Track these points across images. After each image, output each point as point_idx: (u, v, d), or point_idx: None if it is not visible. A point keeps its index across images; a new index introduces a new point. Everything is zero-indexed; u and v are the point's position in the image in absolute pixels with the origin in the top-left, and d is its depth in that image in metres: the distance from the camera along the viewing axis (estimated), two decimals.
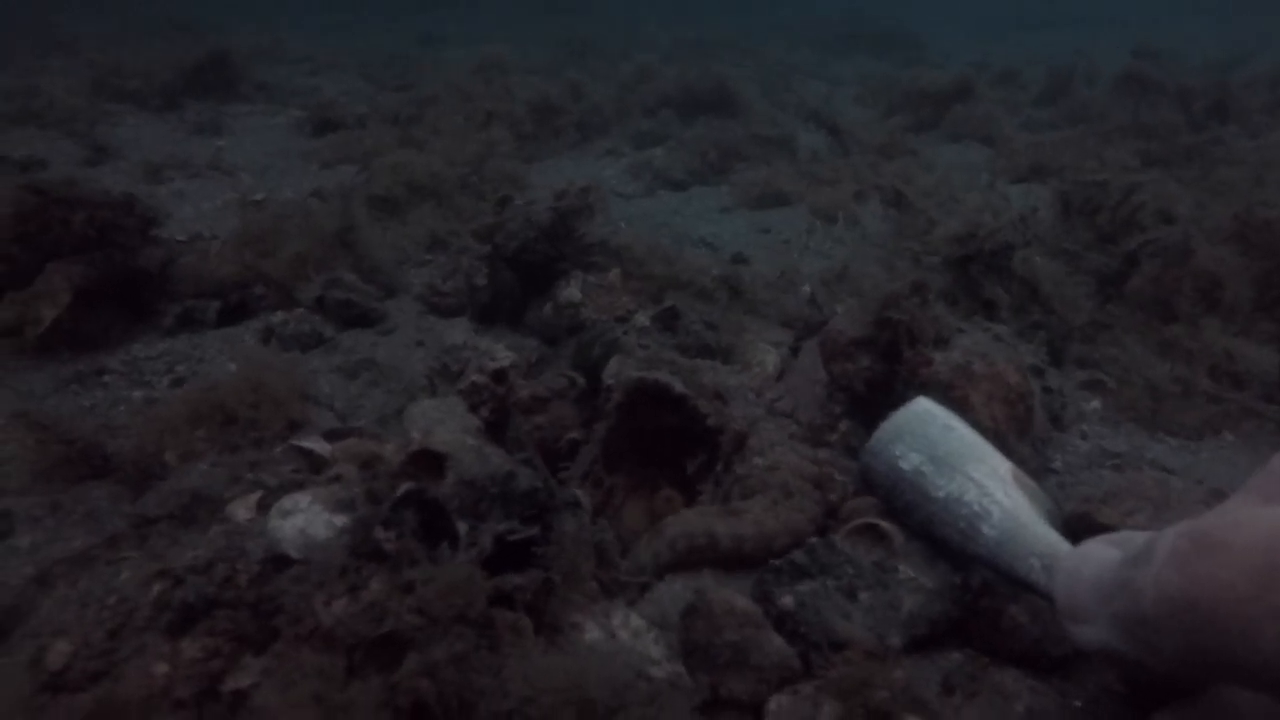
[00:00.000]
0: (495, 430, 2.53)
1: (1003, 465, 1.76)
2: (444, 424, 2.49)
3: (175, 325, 3.35)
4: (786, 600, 1.72)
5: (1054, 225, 4.00)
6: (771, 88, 9.58)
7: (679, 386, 2.00)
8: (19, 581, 2.01)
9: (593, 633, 1.51)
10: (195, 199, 5.33)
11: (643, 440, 2.08)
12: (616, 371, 2.21)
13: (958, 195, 5.33)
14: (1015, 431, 1.98)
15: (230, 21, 14.62)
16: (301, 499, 1.82)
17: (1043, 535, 1.61)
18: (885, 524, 1.81)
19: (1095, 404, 2.75)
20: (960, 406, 1.93)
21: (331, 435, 2.54)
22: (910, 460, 1.78)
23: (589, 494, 2.04)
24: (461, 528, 1.54)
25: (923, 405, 1.84)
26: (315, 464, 2.23)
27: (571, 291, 3.00)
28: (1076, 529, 2.01)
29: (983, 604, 1.72)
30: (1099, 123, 7.26)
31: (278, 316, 3.31)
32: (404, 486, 1.54)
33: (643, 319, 2.68)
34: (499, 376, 2.64)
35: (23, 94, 7.42)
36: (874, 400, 2.21)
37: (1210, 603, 0.96)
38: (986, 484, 1.71)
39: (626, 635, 1.53)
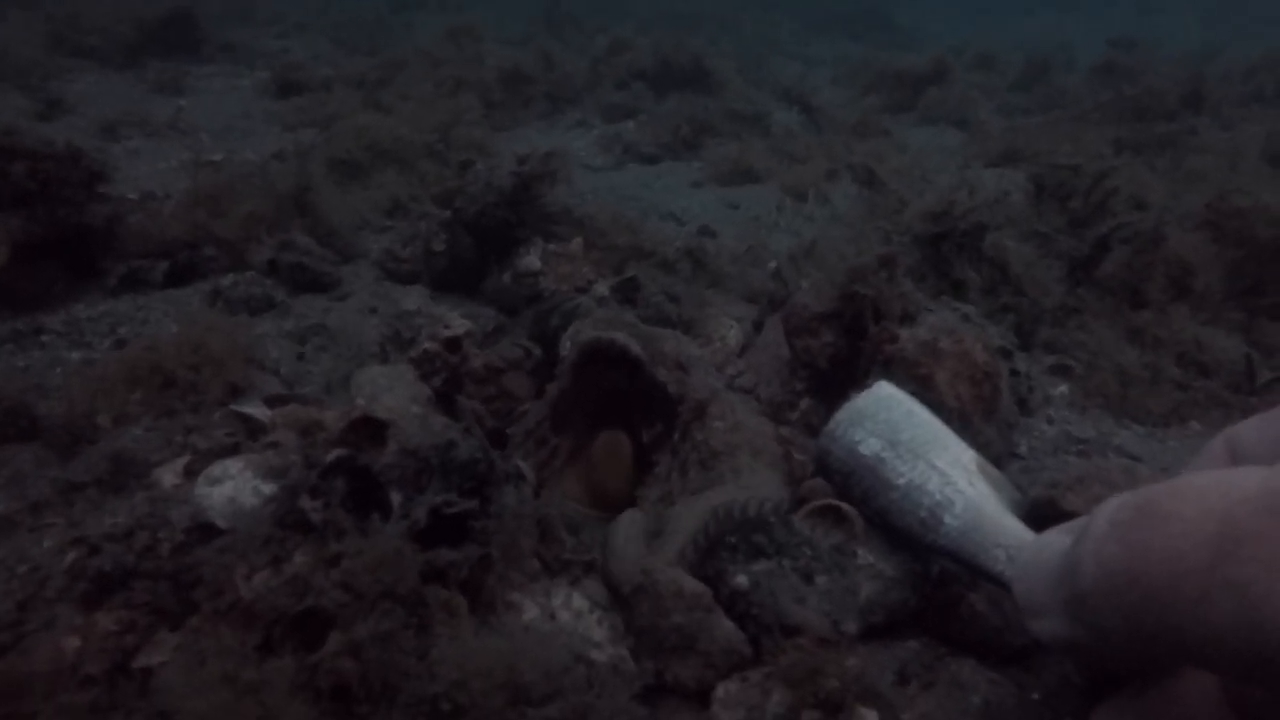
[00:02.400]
0: (447, 401, 2.45)
1: (966, 454, 1.69)
2: (392, 391, 2.40)
3: (120, 285, 3.22)
4: (740, 580, 1.64)
5: (1026, 209, 3.95)
6: (748, 65, 9.47)
7: (636, 349, 1.91)
8: None
9: (531, 613, 1.43)
10: (151, 158, 5.17)
11: (596, 405, 1.99)
12: (575, 332, 2.11)
13: (930, 177, 5.28)
14: (981, 412, 1.92)
15: None
16: (232, 465, 1.72)
17: (1008, 526, 1.55)
18: (846, 507, 1.74)
19: (1063, 389, 2.70)
20: (925, 385, 1.87)
21: (274, 401, 2.43)
22: (870, 445, 1.70)
23: (532, 453, 1.97)
24: (395, 498, 1.45)
25: (885, 389, 1.76)
26: (253, 430, 2.13)
27: (531, 259, 2.90)
28: (1041, 515, 1.95)
29: (941, 592, 1.65)
30: (1073, 108, 7.23)
31: (227, 279, 3.18)
32: (334, 453, 1.45)
33: (602, 289, 2.59)
34: (452, 345, 2.54)
35: None
36: (837, 377, 2.14)
37: (1158, 576, 0.87)
38: (950, 472, 1.63)
39: (567, 616, 1.45)
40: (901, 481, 1.65)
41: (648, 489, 1.92)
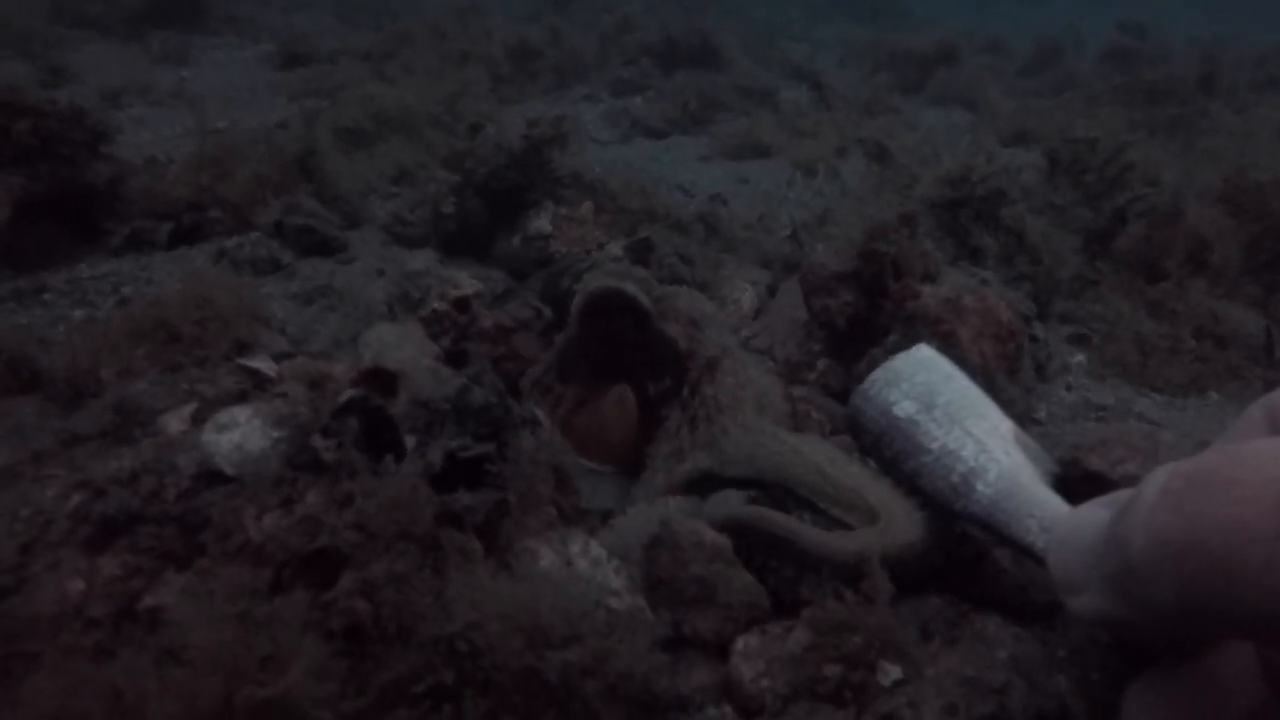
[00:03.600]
0: (455, 360, 2.41)
1: (1004, 423, 1.64)
2: (400, 348, 2.36)
3: (123, 246, 3.18)
4: None
5: (1040, 184, 3.91)
6: (755, 45, 9.40)
7: (644, 299, 1.86)
8: None
9: (548, 559, 1.40)
10: (155, 125, 5.12)
11: (603, 355, 1.96)
12: (585, 282, 2.08)
13: (941, 154, 5.23)
14: (1005, 370, 1.88)
15: None
16: (240, 413, 1.68)
17: (1043, 497, 1.50)
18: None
19: (1080, 358, 2.67)
20: (948, 341, 1.83)
21: (281, 357, 2.39)
22: (905, 408, 1.64)
23: (539, 400, 1.93)
24: (409, 441, 1.41)
25: (925, 352, 1.71)
26: (260, 383, 2.09)
27: (541, 223, 2.86)
28: (1064, 476, 1.92)
29: (965, 549, 1.62)
30: (1085, 91, 7.18)
31: (233, 241, 3.14)
32: (347, 393, 1.41)
33: (615, 249, 2.55)
34: (461, 305, 2.50)
35: None
36: (855, 338, 2.11)
37: (1218, 544, 0.82)
38: (985, 440, 1.58)
39: (585, 564, 1.42)
40: (935, 445, 1.60)
41: (657, 445, 1.88)
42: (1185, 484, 0.87)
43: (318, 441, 1.34)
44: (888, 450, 1.67)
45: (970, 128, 6.34)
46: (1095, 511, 1.16)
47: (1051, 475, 1.66)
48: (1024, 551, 1.50)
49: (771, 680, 1.43)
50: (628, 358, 1.97)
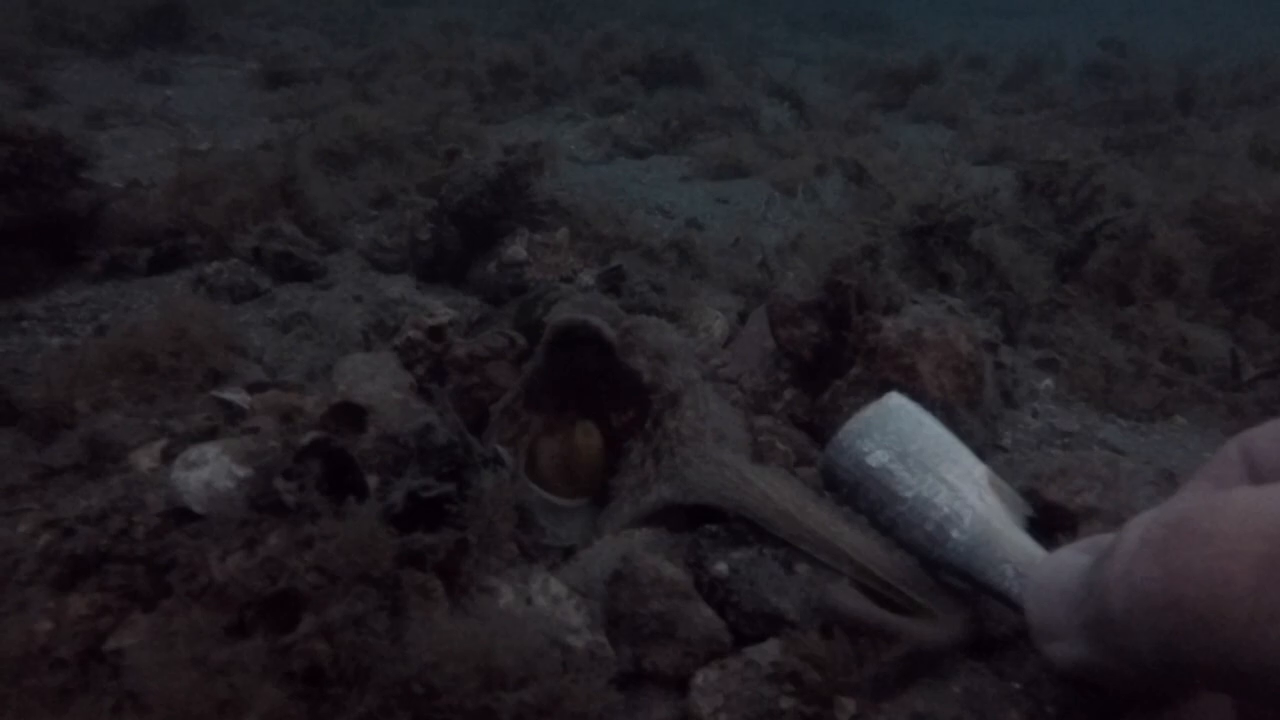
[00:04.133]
0: (426, 393, 2.43)
1: (978, 468, 1.67)
2: (374, 379, 2.39)
3: (103, 272, 3.20)
4: (720, 567, 1.63)
5: (1014, 205, 3.95)
6: (739, 62, 9.46)
7: (608, 332, 1.91)
8: None
9: (508, 597, 1.42)
10: (137, 146, 5.13)
11: (571, 386, 2.00)
12: (554, 313, 2.12)
13: (920, 174, 5.28)
14: (964, 403, 1.91)
15: None
16: (209, 450, 1.70)
17: (1017, 542, 1.53)
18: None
19: (1048, 382, 2.70)
20: (908, 375, 1.86)
21: (255, 388, 2.41)
22: (878, 457, 1.67)
23: (506, 427, 1.96)
24: (372, 481, 1.44)
25: (895, 400, 1.74)
26: (233, 416, 2.11)
27: (516, 249, 2.89)
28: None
29: None
30: (1065, 109, 7.25)
31: (211, 266, 3.16)
32: (309, 435, 1.44)
33: (587, 278, 2.57)
34: (436, 333, 2.53)
35: None
36: (821, 367, 2.14)
37: (1200, 599, 0.82)
38: (959, 486, 1.61)
39: (544, 601, 1.44)
40: (909, 494, 1.62)
41: (622, 476, 1.90)
42: (1165, 534, 0.87)
43: (280, 484, 1.36)
44: (863, 501, 1.69)
45: (950, 145, 6.39)
46: (1073, 556, 1.16)
47: (1025, 519, 1.68)
48: (1000, 598, 1.53)
49: (729, 714, 1.45)
50: (594, 388, 2.01)
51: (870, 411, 1.72)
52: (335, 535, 1.29)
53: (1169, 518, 0.88)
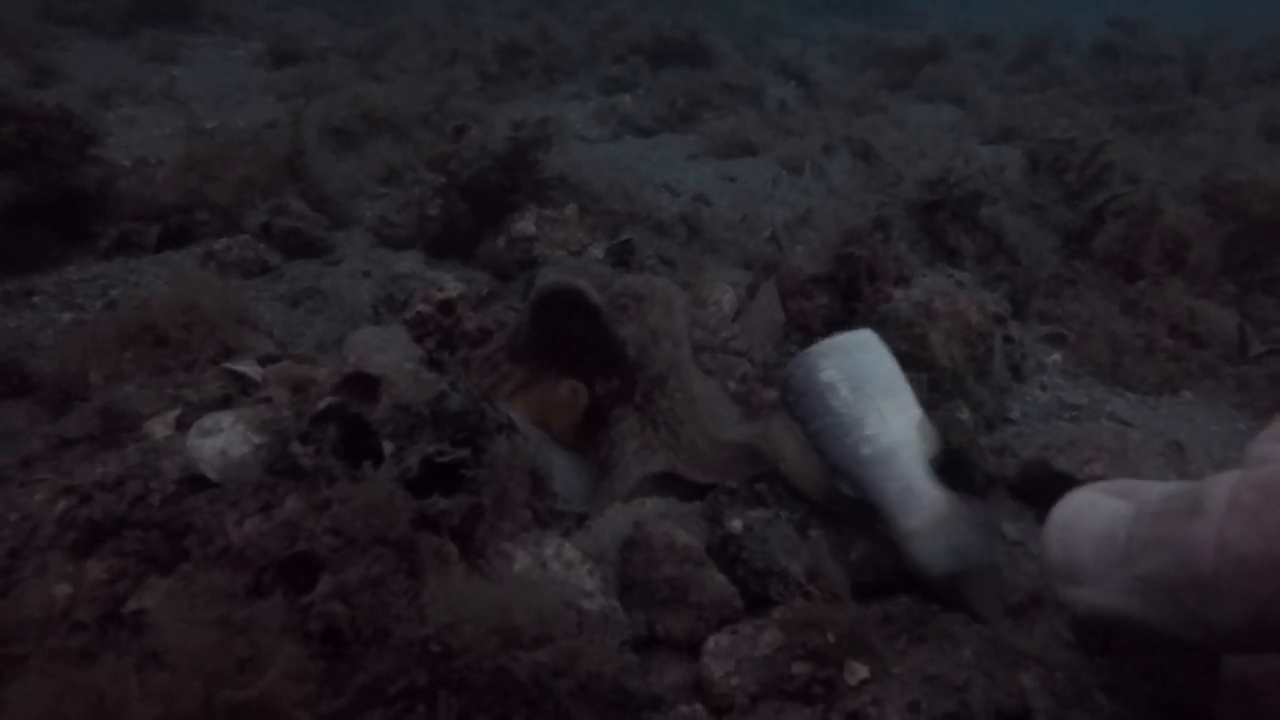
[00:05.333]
0: (439, 364, 2.44)
1: (915, 410, 1.71)
2: (385, 351, 2.40)
3: (112, 248, 3.20)
4: (735, 524, 1.64)
5: (1021, 182, 3.94)
6: (745, 42, 9.42)
7: (594, 297, 1.93)
8: None
9: (522, 561, 1.43)
10: (144, 126, 5.14)
11: (556, 346, 2.05)
12: (542, 275, 2.16)
13: (927, 152, 5.27)
14: (974, 372, 1.92)
15: None
16: (224, 418, 1.71)
17: (917, 473, 1.61)
18: None
19: (1056, 357, 2.71)
20: (919, 345, 1.87)
21: (266, 360, 2.43)
22: (829, 375, 1.72)
23: (486, 374, 1.98)
24: (387, 447, 1.45)
25: (866, 334, 1.79)
26: (245, 387, 2.13)
27: (525, 224, 2.89)
28: (1033, 476, 1.96)
29: None
30: (1073, 88, 7.22)
31: (220, 243, 3.17)
32: (325, 400, 1.45)
33: (596, 252, 2.58)
34: (446, 307, 2.53)
35: None
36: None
37: None
38: (889, 417, 1.67)
39: (559, 566, 1.45)
40: (843, 411, 1.68)
41: (623, 442, 1.93)
42: (1259, 498, 0.85)
43: (296, 448, 1.37)
44: (803, 409, 1.75)
45: (957, 124, 6.38)
46: (1104, 500, 1.11)
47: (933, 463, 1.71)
48: (877, 510, 1.61)
49: (741, 679, 1.47)
50: (578, 351, 2.04)
51: (842, 337, 1.79)
52: (352, 498, 1.30)
53: (1260, 480, 0.86)
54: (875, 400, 1.68)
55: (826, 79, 7.42)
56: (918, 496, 1.58)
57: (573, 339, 2.05)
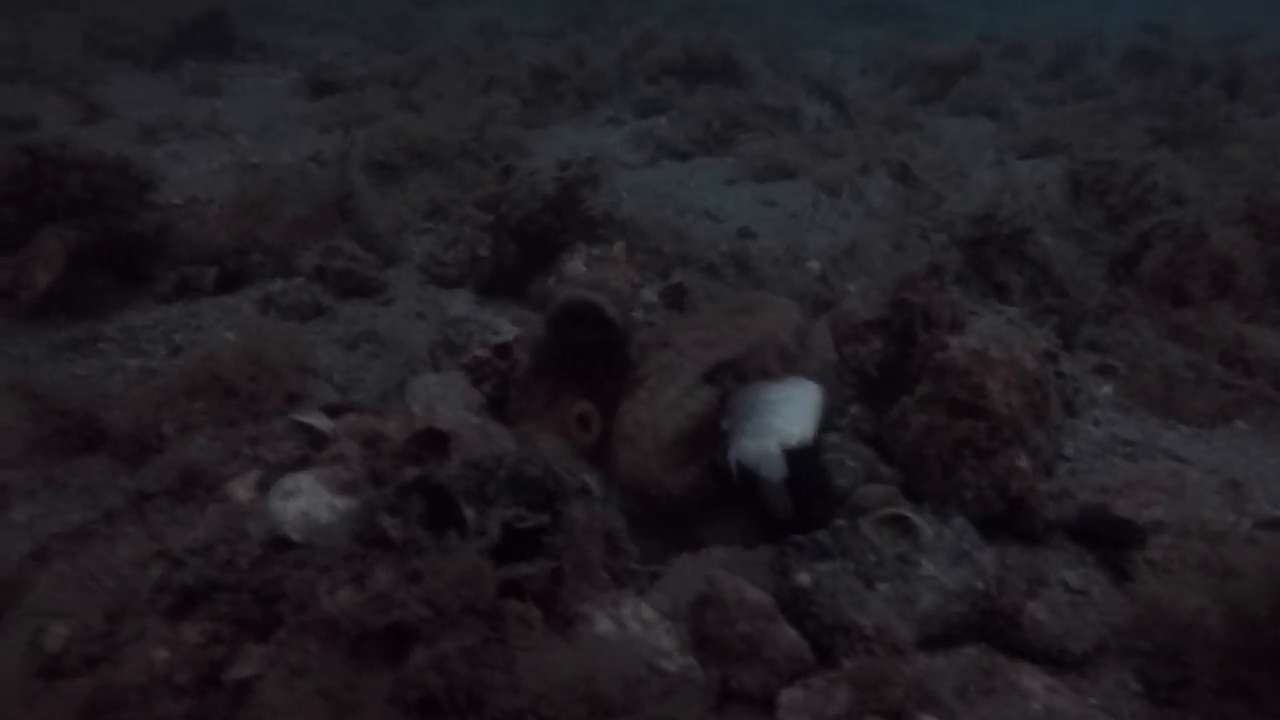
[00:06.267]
0: (497, 405, 2.50)
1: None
2: (446, 399, 2.45)
3: (172, 292, 3.29)
4: (803, 577, 1.69)
5: (1064, 204, 3.95)
6: (775, 56, 9.46)
7: (611, 310, 2.01)
8: (16, 557, 1.97)
9: (603, 624, 1.48)
10: (192, 161, 5.24)
11: (576, 366, 2.16)
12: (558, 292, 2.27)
13: (965, 170, 5.28)
14: (1031, 419, 1.94)
15: None
16: (303, 480, 1.77)
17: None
18: (915, 517, 1.77)
19: (1107, 389, 2.72)
20: (977, 393, 1.89)
21: (331, 410, 2.49)
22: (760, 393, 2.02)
23: (517, 400, 2.14)
24: (469, 514, 1.50)
25: (807, 389, 2.03)
26: (316, 440, 2.19)
27: (575, 264, 2.95)
28: (1092, 520, 1.98)
29: (1003, 602, 1.68)
30: (1106, 98, 7.19)
31: (276, 285, 3.25)
32: (411, 472, 1.50)
33: (650, 294, 2.62)
34: (502, 351, 2.59)
35: (16, 50, 7.29)
36: (886, 384, 2.17)
37: None
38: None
39: (637, 627, 1.49)
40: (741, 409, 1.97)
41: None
42: None
43: (385, 520, 1.42)
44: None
45: (992, 138, 6.37)
46: None
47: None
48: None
49: None
50: (595, 363, 2.14)
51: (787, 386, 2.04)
52: (441, 570, 1.35)
53: None
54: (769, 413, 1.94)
55: (859, 93, 7.43)
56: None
57: (591, 352, 2.13)
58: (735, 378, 2.03)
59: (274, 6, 11.91)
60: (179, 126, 5.83)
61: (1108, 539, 1.92)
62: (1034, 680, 1.60)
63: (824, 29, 14.01)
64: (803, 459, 1.89)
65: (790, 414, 1.93)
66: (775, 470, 1.86)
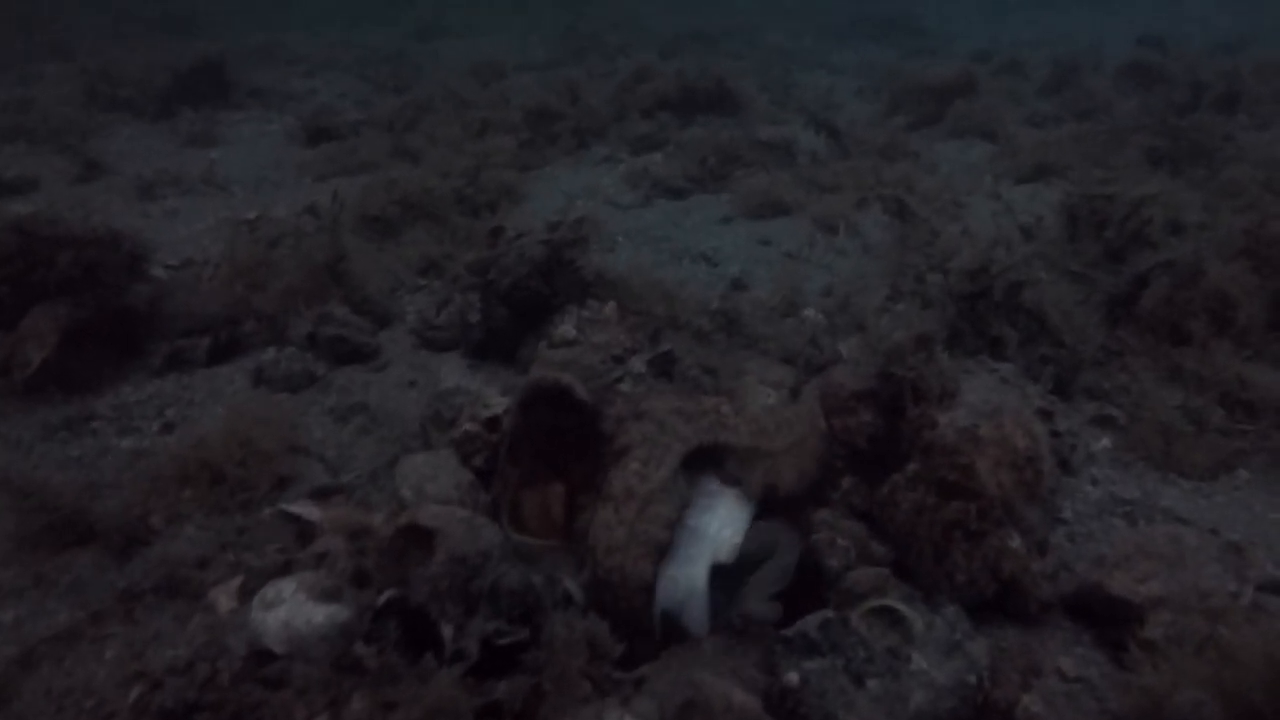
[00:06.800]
0: (488, 479, 2.48)
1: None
2: (435, 480, 2.43)
3: (164, 365, 3.29)
4: (791, 677, 1.66)
5: (1059, 239, 3.92)
6: (771, 82, 9.46)
7: (580, 391, 2.01)
8: (1, 662, 1.95)
9: None
10: (188, 218, 5.26)
11: (550, 448, 2.13)
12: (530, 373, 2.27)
13: (960, 200, 5.25)
14: (1024, 497, 1.90)
15: (226, 19, 14.58)
16: (285, 587, 1.76)
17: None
18: (904, 608, 1.74)
19: (1105, 442, 2.68)
20: (966, 474, 1.86)
21: (319, 493, 2.48)
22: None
23: (497, 486, 2.12)
24: (446, 633, 1.48)
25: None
26: (303, 531, 2.17)
27: (566, 328, 2.93)
28: (1089, 600, 1.94)
29: (995, 695, 1.65)
30: (1104, 116, 7.16)
31: (268, 354, 3.24)
32: (385, 595, 1.48)
33: (638, 365, 2.60)
34: (491, 424, 2.58)
35: (15, 107, 7.36)
36: (878, 455, 2.14)
37: None
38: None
39: None
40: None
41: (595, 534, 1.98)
42: None
43: (360, 649, 1.40)
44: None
45: (989, 163, 6.34)
46: None
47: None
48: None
49: None
50: (568, 444, 2.11)
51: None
52: (417, 700, 1.32)
53: None
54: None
55: (856, 122, 7.41)
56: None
57: (564, 434, 2.11)
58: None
59: (271, 49, 12.03)
60: (176, 182, 5.85)
61: (1106, 617, 1.88)
62: None
63: (823, 50, 14.00)
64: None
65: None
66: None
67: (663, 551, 1.85)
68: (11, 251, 3.20)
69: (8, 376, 3.13)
